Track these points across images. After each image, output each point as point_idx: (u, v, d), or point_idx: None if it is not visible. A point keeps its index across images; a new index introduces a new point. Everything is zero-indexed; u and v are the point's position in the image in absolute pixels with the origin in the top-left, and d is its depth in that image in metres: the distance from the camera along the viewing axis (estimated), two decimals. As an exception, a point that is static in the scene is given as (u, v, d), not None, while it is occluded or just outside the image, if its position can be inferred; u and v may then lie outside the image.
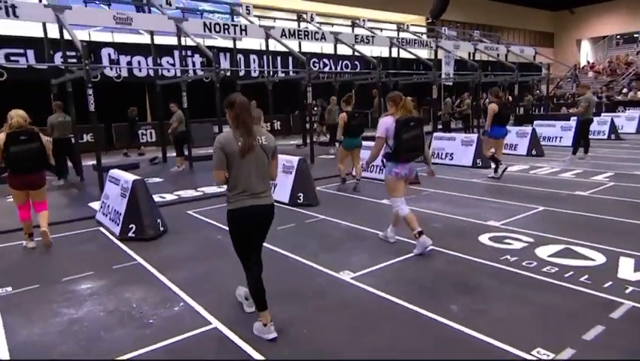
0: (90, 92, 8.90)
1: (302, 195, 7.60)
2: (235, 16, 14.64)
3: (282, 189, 7.81)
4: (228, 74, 17.22)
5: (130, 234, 6.06)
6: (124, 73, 17.53)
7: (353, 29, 16.53)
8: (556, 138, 14.57)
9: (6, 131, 5.45)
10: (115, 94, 16.63)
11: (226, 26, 12.29)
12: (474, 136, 11.21)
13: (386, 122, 4.88)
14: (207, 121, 17.42)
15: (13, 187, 5.70)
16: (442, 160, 11.37)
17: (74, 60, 16.56)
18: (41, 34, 11.33)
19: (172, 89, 12.79)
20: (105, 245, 6.01)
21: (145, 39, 15.73)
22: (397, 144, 4.81)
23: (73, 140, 10.99)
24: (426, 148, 5.39)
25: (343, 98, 9.01)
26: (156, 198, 8.08)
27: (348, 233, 6.15)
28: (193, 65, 19.59)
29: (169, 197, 8.52)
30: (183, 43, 12.79)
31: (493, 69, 20.94)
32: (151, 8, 12.81)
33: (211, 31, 11.99)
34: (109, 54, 17.30)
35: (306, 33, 13.77)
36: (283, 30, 13.24)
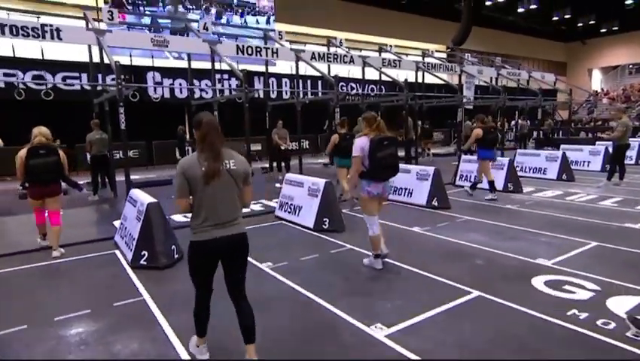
0: (122, 110, 8.07)
1: (327, 220, 6.45)
2: (268, 41, 13.73)
3: (307, 214, 6.69)
4: (260, 95, 16.45)
5: (142, 261, 5.06)
6: (166, 94, 17.32)
7: (380, 54, 15.43)
8: (584, 162, 12.99)
9: (28, 147, 5.43)
10: (156, 114, 16.27)
11: (258, 49, 11.40)
12: (505, 160, 9.86)
13: (361, 142, 4.55)
14: (239, 140, 16.92)
15: (32, 197, 5.64)
16: (470, 183, 10.07)
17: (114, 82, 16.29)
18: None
19: (207, 109, 11.98)
20: (114, 274, 4.99)
21: (185, 63, 15.23)
22: (372, 163, 4.49)
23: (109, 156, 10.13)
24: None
25: (338, 121, 8.97)
26: (179, 216, 7.11)
27: (379, 269, 4.95)
28: (229, 87, 19.01)
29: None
30: (218, 67, 12.06)
31: (512, 94, 19.58)
32: (189, 33, 12.08)
33: (243, 54, 11.10)
34: (153, 77, 17.15)
35: (335, 56, 12.76)
36: (313, 53, 12.27)
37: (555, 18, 34.08)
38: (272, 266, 4.97)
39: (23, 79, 14.25)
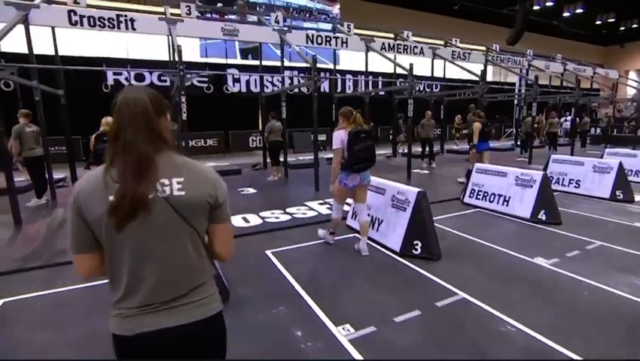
0: (183, 99, 5.86)
1: (420, 244, 3.84)
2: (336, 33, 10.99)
3: (391, 232, 4.11)
4: (325, 89, 13.89)
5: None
6: (243, 88, 15.58)
7: (445, 47, 12.14)
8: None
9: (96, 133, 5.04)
10: (233, 105, 14.53)
11: (328, 38, 8.74)
12: (613, 163, 6.57)
13: (340, 135, 3.76)
14: (309, 130, 14.83)
15: None
16: (565, 187, 6.91)
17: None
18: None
19: (275, 100, 9.71)
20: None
21: (256, 62, 13.19)
22: (350, 155, 3.70)
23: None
24: None
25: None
26: (238, 221, 4.80)
27: (530, 352, 2.30)
28: (299, 82, 16.68)
29: (251, 219, 5.17)
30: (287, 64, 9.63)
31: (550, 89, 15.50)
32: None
33: (313, 43, 8.53)
34: (233, 74, 15.40)
35: (405, 47, 9.79)
36: (383, 43, 9.40)
37: (598, 22, 28.73)
38: (351, 335, 2.49)
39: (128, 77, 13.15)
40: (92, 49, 13.12)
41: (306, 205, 5.88)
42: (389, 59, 8.85)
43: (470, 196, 6.04)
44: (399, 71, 14.21)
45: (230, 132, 14.56)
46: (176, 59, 5.87)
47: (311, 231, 4.61)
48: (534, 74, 11.27)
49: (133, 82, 13.56)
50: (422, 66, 11.63)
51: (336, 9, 18.73)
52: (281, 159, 8.50)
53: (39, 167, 6.51)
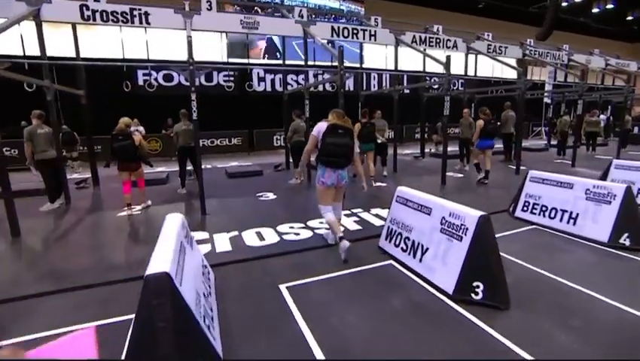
0: (193, 96, 4.89)
1: (481, 285, 2.65)
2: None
3: (440, 265, 2.96)
4: (350, 87, 12.68)
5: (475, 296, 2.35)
6: (268, 87, 14.74)
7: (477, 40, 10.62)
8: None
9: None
10: (258, 105, 13.68)
11: (355, 31, 7.55)
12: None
13: (320, 126, 3.46)
14: None
15: (118, 170, 5.26)
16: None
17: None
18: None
19: (298, 98, 8.68)
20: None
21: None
22: (322, 145, 3.42)
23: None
24: (358, 162, 3.64)
25: (361, 112, 7.19)
26: (251, 238, 3.80)
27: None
28: (323, 84, 15.56)
29: (267, 236, 4.15)
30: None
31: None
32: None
33: (339, 36, 7.37)
34: (258, 73, 14.55)
35: (437, 40, 8.44)
36: (414, 36, 8.11)
37: (630, 18, 25.75)
38: None
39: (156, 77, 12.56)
40: (117, 50, 12.54)
41: (329, 217, 4.82)
42: (423, 52, 7.52)
43: (523, 210, 4.76)
44: (429, 67, 12.83)
45: (254, 131, 13.70)
46: (192, 55, 4.88)
47: (337, 254, 3.54)
48: (580, 69, 9.61)
49: (162, 82, 12.92)
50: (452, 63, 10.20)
51: (363, 10, 17.42)
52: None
53: (52, 170, 5.77)
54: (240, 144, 13.56)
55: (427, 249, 3.13)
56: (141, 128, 10.22)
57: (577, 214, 4.16)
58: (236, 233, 4.23)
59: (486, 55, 8.89)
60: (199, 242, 3.93)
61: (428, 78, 12.60)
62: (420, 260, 3.17)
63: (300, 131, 7.10)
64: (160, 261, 1.86)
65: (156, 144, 12.04)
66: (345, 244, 3.40)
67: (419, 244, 3.24)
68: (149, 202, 5.63)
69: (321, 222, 4.58)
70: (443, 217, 3.02)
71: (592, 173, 7.20)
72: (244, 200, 6.00)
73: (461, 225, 2.83)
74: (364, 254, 3.61)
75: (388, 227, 3.72)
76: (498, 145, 8.55)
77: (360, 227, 4.43)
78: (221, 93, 12.97)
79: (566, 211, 4.28)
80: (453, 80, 13.60)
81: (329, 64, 13.80)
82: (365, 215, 4.92)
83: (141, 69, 12.33)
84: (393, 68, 8.52)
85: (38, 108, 5.62)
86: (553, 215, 4.40)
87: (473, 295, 2.67)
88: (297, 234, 4.19)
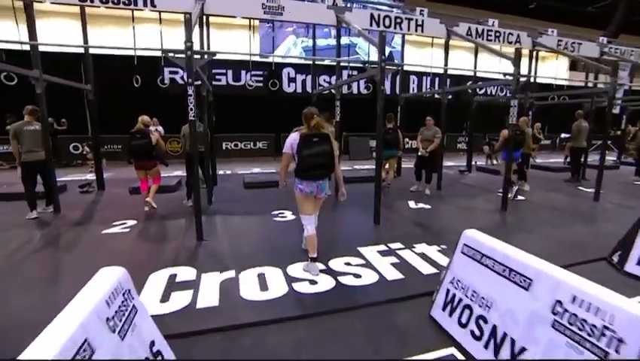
0: (190, 90, 3.90)
1: None
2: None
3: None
4: (388, 92, 11.32)
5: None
6: (299, 89, 13.85)
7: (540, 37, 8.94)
8: None
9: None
10: (285, 107, 12.80)
11: (398, 20, 6.30)
12: None
13: (292, 138, 3.09)
14: (365, 135, 12.52)
15: (135, 168, 5.21)
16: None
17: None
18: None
19: (328, 99, 7.59)
20: None
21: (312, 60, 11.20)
22: (299, 159, 3.03)
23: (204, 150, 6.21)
24: (337, 168, 3.19)
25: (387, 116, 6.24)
26: (251, 284, 2.69)
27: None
28: (358, 86, 14.33)
29: (272, 282, 2.98)
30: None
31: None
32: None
33: (379, 25, 6.16)
34: (288, 73, 13.68)
35: (498, 34, 6.99)
36: (469, 28, 6.72)
37: None
38: None
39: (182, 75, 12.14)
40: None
41: (360, 255, 3.60)
42: (486, 47, 6.10)
43: (638, 263, 3.29)
44: (480, 68, 11.21)
45: (281, 135, 12.76)
46: (191, 39, 3.90)
47: (370, 319, 2.35)
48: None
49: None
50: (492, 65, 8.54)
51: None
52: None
53: (41, 173, 5.04)
54: (265, 148, 12.69)
55: (523, 349, 1.84)
56: (161, 128, 9.65)
57: None
58: (232, 274, 3.13)
59: (557, 52, 7.27)
60: (179, 287, 2.88)
61: (481, 81, 10.98)
62: (497, 352, 1.88)
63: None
64: None
65: (177, 145, 11.40)
66: (316, 267, 3.14)
67: (504, 335, 1.96)
68: (155, 205, 5.22)
69: (348, 263, 3.39)
70: (559, 302, 1.72)
71: None
72: (255, 220, 4.93)
73: (604, 328, 1.52)
74: (411, 330, 2.37)
75: (448, 290, 2.45)
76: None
77: (401, 275, 3.18)
78: (248, 94, 12.17)
79: None
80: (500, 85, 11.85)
81: (360, 65, 12.60)
82: (407, 254, 3.65)
83: (168, 66, 11.77)
84: (439, 69, 7.17)
85: (24, 103, 4.90)
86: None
87: None
88: (314, 282, 3.02)
